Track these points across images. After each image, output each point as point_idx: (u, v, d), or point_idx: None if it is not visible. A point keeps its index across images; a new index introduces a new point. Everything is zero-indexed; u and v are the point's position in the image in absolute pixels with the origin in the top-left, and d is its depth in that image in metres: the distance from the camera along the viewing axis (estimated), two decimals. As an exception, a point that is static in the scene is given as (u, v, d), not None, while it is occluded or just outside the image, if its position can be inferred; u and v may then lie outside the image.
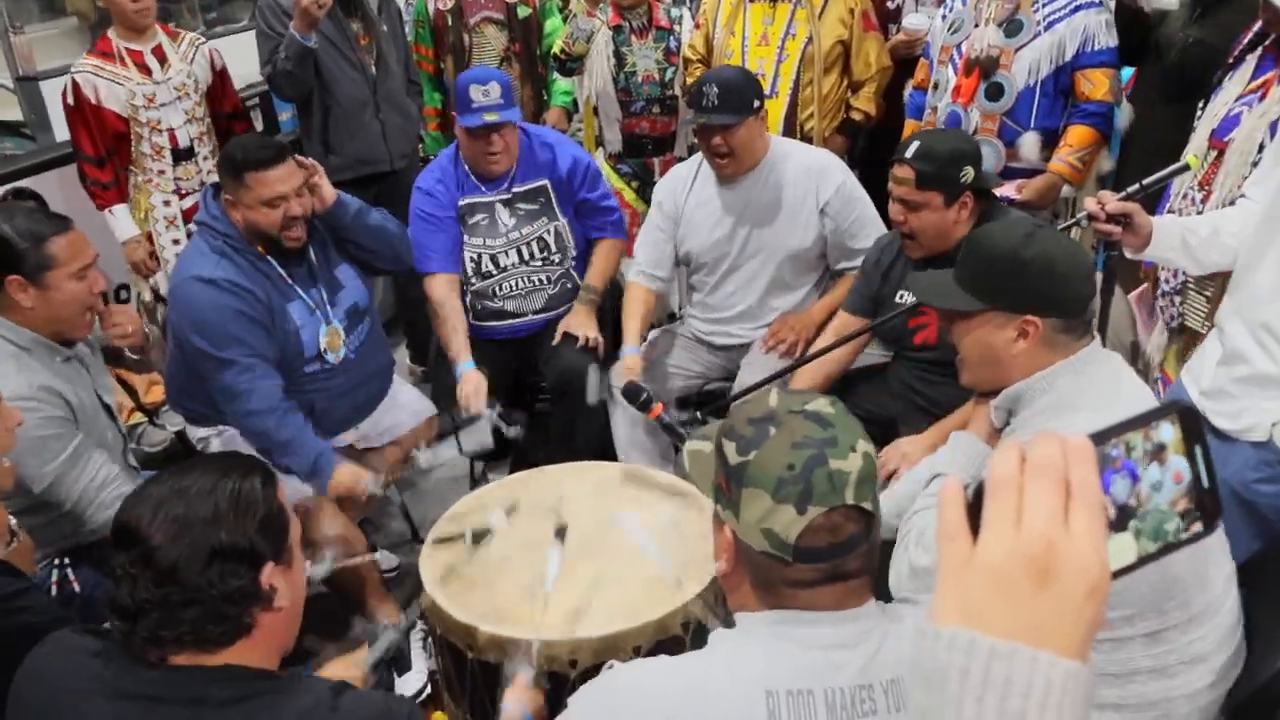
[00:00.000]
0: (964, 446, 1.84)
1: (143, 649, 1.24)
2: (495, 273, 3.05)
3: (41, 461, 2.14)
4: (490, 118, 2.82)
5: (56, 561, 2.31)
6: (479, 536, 2.07)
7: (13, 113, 4.83)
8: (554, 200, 3.08)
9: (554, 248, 3.09)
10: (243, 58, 4.17)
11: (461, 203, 3.00)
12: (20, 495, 2.19)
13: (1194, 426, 0.58)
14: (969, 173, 2.38)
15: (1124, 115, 3.22)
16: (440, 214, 2.98)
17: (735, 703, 1.09)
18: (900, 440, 2.46)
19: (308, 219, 2.58)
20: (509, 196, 3.02)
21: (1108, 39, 3.04)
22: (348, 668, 1.80)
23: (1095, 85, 3.05)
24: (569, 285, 3.14)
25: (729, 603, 1.23)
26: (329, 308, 2.66)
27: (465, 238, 3.02)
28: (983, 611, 0.55)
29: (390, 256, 2.85)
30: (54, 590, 2.30)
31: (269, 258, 2.56)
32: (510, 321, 3.11)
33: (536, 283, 3.09)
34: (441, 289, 2.98)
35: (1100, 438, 0.59)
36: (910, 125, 3.43)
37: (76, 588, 2.30)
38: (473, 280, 3.06)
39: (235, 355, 2.45)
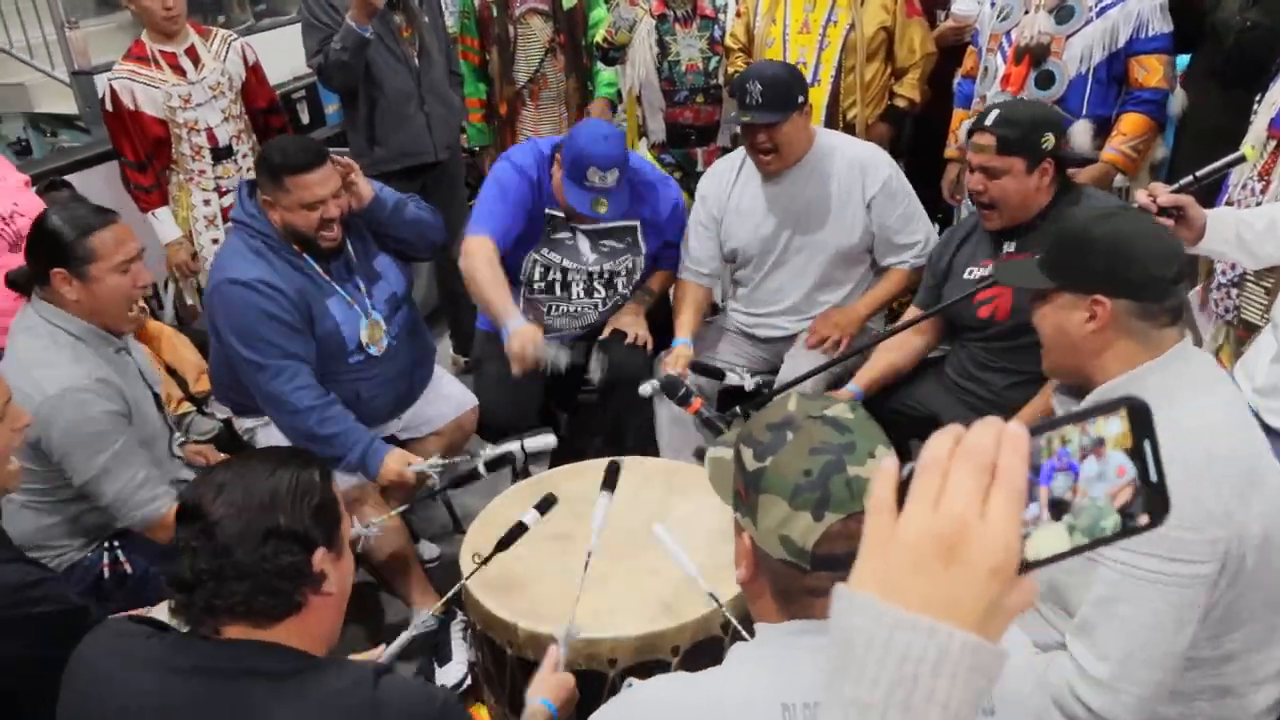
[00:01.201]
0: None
1: (198, 619, 1.30)
2: (558, 292, 2.99)
3: (89, 455, 2.15)
4: (599, 209, 2.73)
5: (107, 544, 2.36)
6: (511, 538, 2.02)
7: (68, 106, 4.93)
8: (640, 240, 3.02)
9: (623, 285, 3.05)
10: (291, 50, 4.21)
11: (549, 211, 2.91)
12: (63, 485, 2.22)
13: (1143, 420, 0.59)
14: (1050, 139, 2.39)
15: (1178, 102, 3.14)
16: (521, 195, 2.85)
17: (753, 716, 1.08)
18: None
19: (344, 216, 2.60)
20: (595, 229, 2.94)
21: (1162, 24, 2.97)
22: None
23: (1149, 72, 2.98)
24: (620, 306, 3.11)
25: (751, 612, 1.21)
26: (368, 300, 2.67)
27: (541, 249, 2.94)
28: (895, 582, 0.59)
29: (425, 246, 2.87)
30: (106, 572, 2.34)
31: (306, 255, 2.58)
32: (555, 335, 3.10)
33: (594, 309, 3.07)
34: (485, 246, 2.79)
35: (1039, 429, 0.61)
36: (959, 115, 3.38)
37: (128, 569, 2.35)
38: (535, 289, 3.00)
39: (269, 359, 2.47)
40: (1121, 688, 1.46)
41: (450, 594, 1.94)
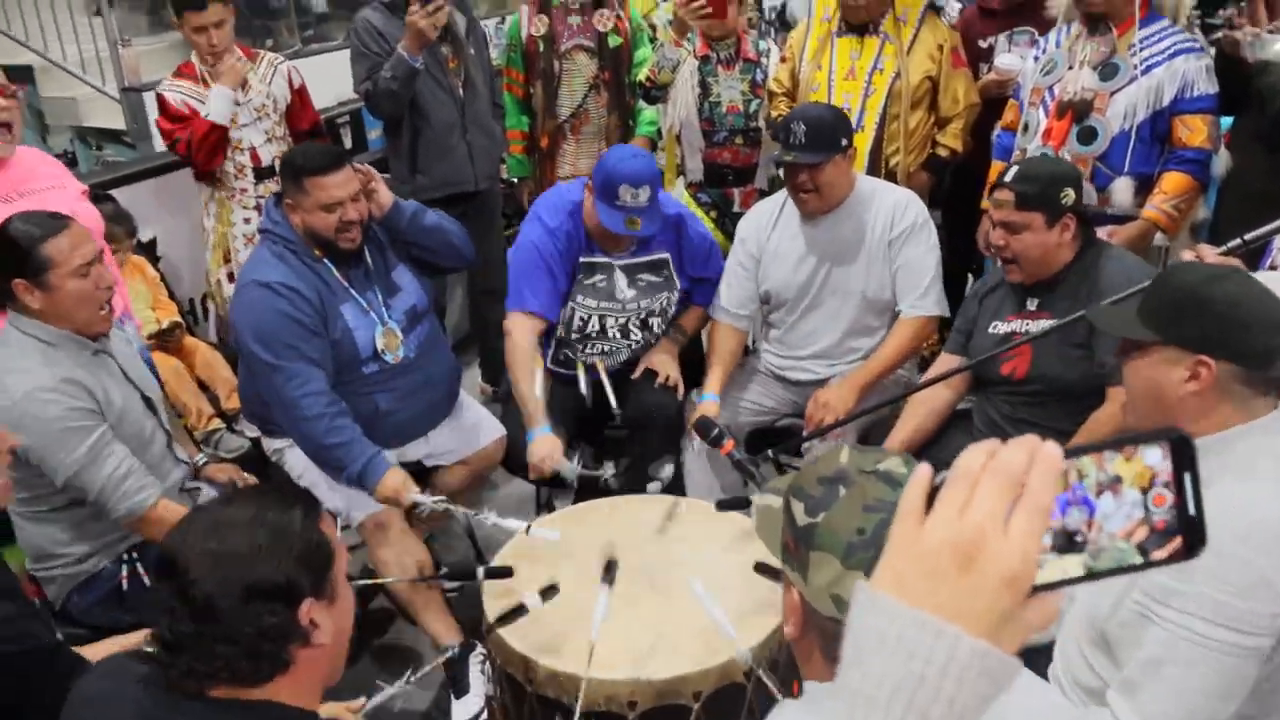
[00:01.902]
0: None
1: (181, 681, 1.24)
2: (596, 336, 2.98)
3: (65, 452, 2.16)
4: (632, 229, 2.72)
5: (125, 556, 2.36)
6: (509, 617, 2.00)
7: (116, 121, 5.02)
8: (674, 273, 3.02)
9: (661, 323, 3.05)
10: (336, 75, 4.27)
11: (582, 260, 2.91)
12: (55, 492, 2.23)
13: (1186, 453, 0.60)
14: (1069, 194, 2.41)
15: (1221, 163, 3.11)
16: (555, 257, 2.85)
17: None
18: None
19: (364, 224, 2.63)
20: (630, 263, 2.94)
21: (1208, 85, 2.95)
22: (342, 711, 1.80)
23: (1193, 132, 2.96)
24: (652, 345, 3.09)
25: (801, 671, 1.18)
26: (385, 309, 2.70)
27: (579, 297, 2.93)
28: (911, 585, 0.61)
29: (451, 255, 2.88)
30: (124, 584, 2.35)
31: (325, 260, 2.62)
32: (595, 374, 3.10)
33: (628, 348, 3.05)
34: (526, 332, 2.83)
35: (1072, 453, 0.62)
36: (997, 166, 3.37)
37: (147, 580, 2.35)
38: (572, 336, 2.99)
39: (284, 361, 2.50)
40: None
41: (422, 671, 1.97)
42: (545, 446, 2.67)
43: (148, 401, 2.44)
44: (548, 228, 2.87)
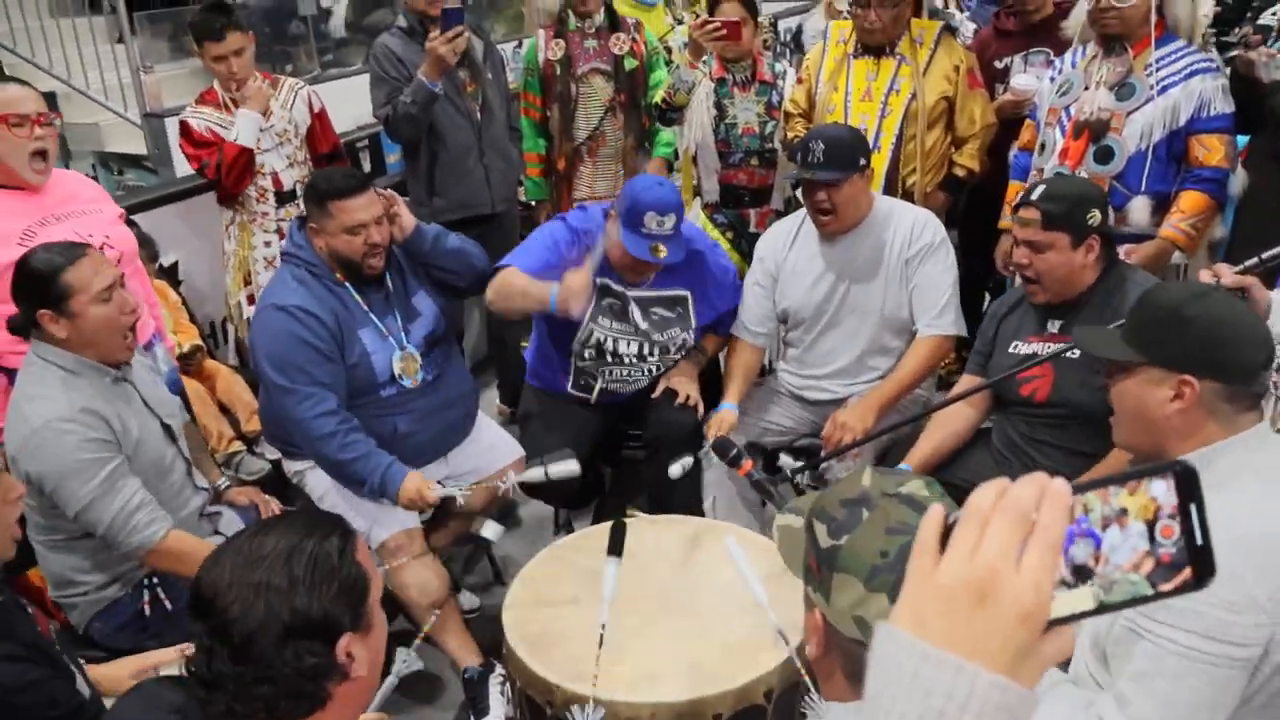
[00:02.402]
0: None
1: (219, 718, 1.22)
2: (610, 360, 2.99)
3: (79, 483, 2.16)
4: (657, 255, 2.72)
5: (145, 582, 2.36)
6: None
7: (137, 146, 5.08)
8: (690, 311, 3.01)
9: (675, 354, 3.05)
10: (355, 100, 4.31)
11: (599, 281, 2.89)
12: (62, 520, 2.23)
13: (1190, 485, 0.61)
14: (1095, 215, 2.40)
15: (1238, 182, 3.11)
16: (566, 248, 2.87)
17: None
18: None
19: (387, 248, 2.66)
20: (646, 295, 2.95)
21: (1224, 105, 2.94)
22: None
23: (1210, 151, 2.95)
24: (670, 369, 3.09)
25: (822, 691, 1.19)
26: (404, 335, 2.72)
27: (597, 318, 2.92)
28: (929, 622, 0.62)
29: (471, 277, 2.90)
30: (147, 610, 2.35)
31: (347, 284, 2.64)
32: (606, 399, 3.10)
33: (644, 373, 3.06)
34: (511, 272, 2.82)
35: (1080, 489, 0.63)
36: (1014, 187, 3.37)
37: (169, 606, 2.35)
38: (586, 357, 2.99)
39: (297, 385, 2.53)
40: None
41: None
42: (575, 281, 2.68)
43: (167, 429, 2.45)
44: (575, 231, 2.90)
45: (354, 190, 2.58)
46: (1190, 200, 2.97)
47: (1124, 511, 0.62)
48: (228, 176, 3.48)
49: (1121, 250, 3.02)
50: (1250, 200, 3.14)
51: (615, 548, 1.88)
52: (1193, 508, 0.60)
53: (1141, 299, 1.72)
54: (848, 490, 1.14)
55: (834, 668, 1.13)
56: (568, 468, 2.49)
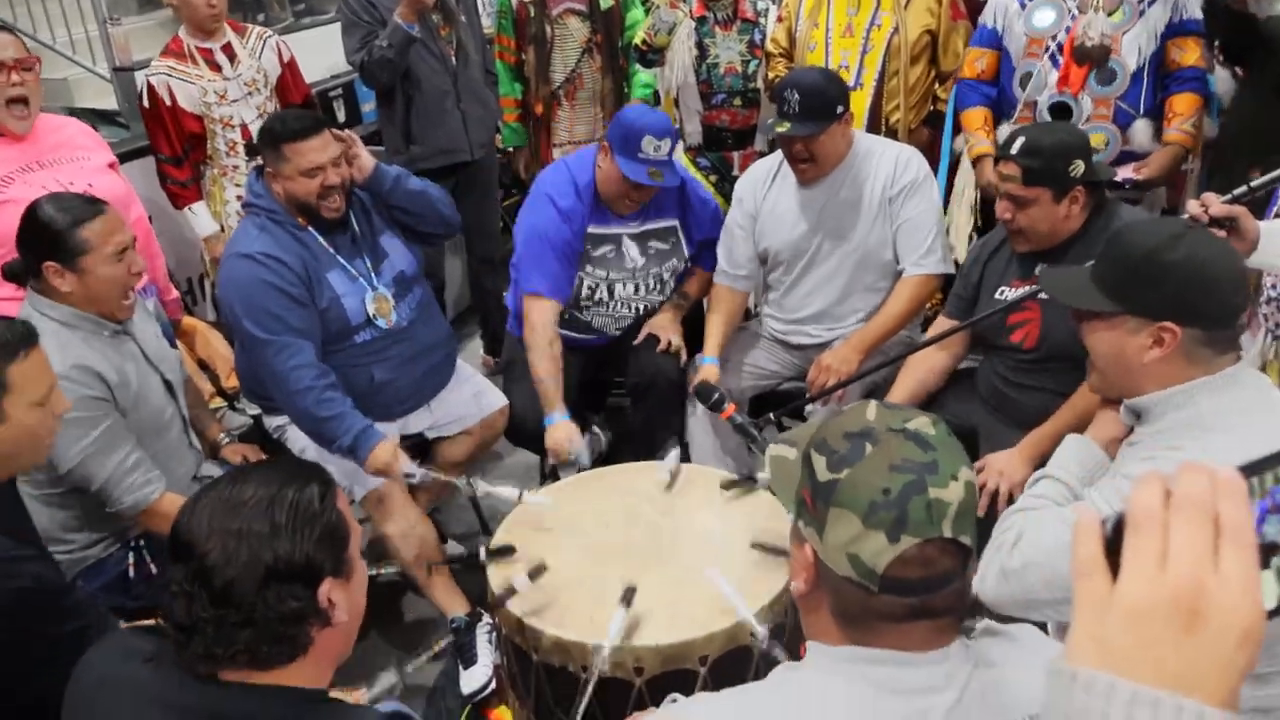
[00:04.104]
0: (1074, 451, 1.75)
1: (195, 663, 1.21)
2: (608, 300, 3.00)
3: (70, 440, 2.13)
4: (655, 178, 2.73)
5: (132, 544, 2.35)
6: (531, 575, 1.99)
7: (108, 101, 4.97)
8: (682, 240, 3.04)
9: (669, 286, 3.06)
10: (329, 49, 4.22)
11: (590, 230, 2.92)
12: (53, 476, 2.20)
13: None
14: (1078, 166, 2.32)
15: (1219, 81, 3.18)
16: (567, 240, 2.86)
17: None
18: (993, 456, 2.36)
19: (347, 189, 2.61)
20: (640, 231, 2.96)
21: (1197, 11, 3.05)
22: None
23: (1186, 52, 3.06)
24: (655, 309, 3.10)
25: (804, 626, 1.16)
26: (374, 275, 2.68)
27: (588, 267, 2.94)
28: (1124, 655, 0.53)
29: (435, 219, 2.85)
30: (131, 572, 2.33)
31: (309, 228, 2.60)
32: (590, 336, 3.09)
33: (636, 310, 3.05)
34: (546, 317, 2.84)
35: (1251, 469, 0.56)
36: (976, 114, 3.28)
37: (154, 568, 2.34)
38: (582, 305, 3.00)
39: (273, 334, 2.48)
40: None
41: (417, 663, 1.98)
42: (562, 432, 2.71)
43: (168, 385, 2.42)
44: (560, 210, 2.86)
45: (308, 131, 2.52)
46: (1183, 101, 3.07)
47: None
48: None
49: (1129, 169, 3.06)
50: (1244, 133, 3.11)
51: (626, 601, 1.86)
52: None
53: (1112, 240, 1.68)
54: (851, 423, 1.09)
55: (820, 604, 1.10)
56: (541, 501, 2.28)
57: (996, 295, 2.56)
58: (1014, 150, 2.36)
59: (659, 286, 3.05)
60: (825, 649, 1.10)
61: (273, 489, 1.24)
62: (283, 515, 1.21)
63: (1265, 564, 0.54)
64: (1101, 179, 2.41)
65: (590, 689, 1.72)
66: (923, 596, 1.03)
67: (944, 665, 1.06)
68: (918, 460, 1.04)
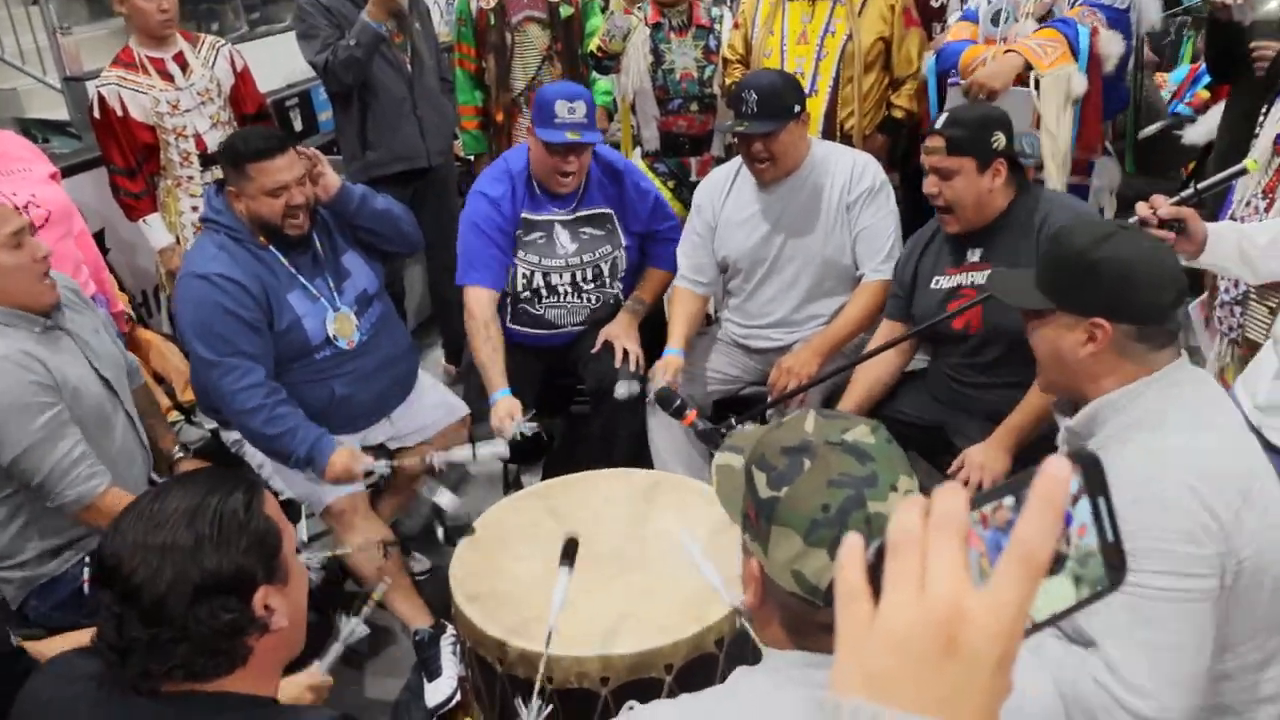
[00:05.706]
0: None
1: (135, 681, 1.19)
2: (545, 293, 3.00)
3: (16, 427, 2.09)
4: (573, 136, 2.76)
5: (88, 559, 2.29)
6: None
7: (59, 112, 4.90)
8: (618, 228, 3.04)
9: (608, 275, 3.05)
10: (285, 57, 4.19)
11: (524, 216, 2.94)
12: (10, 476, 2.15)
13: (1096, 478, 0.53)
14: (1000, 138, 2.44)
15: (1085, 37, 3.21)
16: (499, 227, 2.89)
17: None
18: (971, 450, 2.41)
19: (311, 208, 2.58)
20: (572, 218, 2.97)
21: None
22: (302, 690, 1.75)
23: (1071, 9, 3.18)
24: (614, 304, 3.09)
25: (758, 635, 1.17)
26: (335, 295, 2.66)
27: (519, 253, 2.95)
28: (888, 681, 0.51)
29: (397, 238, 2.84)
30: (86, 587, 2.28)
31: (270, 248, 2.57)
32: (549, 332, 3.08)
33: (584, 302, 3.05)
34: (484, 304, 2.88)
35: (986, 495, 0.54)
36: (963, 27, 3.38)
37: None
38: (521, 296, 3.01)
39: (220, 356, 2.46)
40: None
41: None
42: (503, 408, 2.69)
43: (105, 382, 2.37)
44: (490, 199, 2.89)
45: (273, 150, 2.48)
46: (1045, 31, 3.13)
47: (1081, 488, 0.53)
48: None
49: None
50: (1230, 147, 3.17)
51: (568, 558, 1.85)
52: (1101, 502, 0.53)
53: (1052, 240, 1.72)
54: (789, 436, 1.10)
55: (771, 616, 1.11)
56: (495, 450, 2.45)
57: (932, 286, 2.62)
58: (938, 125, 2.48)
59: (597, 279, 3.03)
60: (776, 653, 1.12)
61: (195, 500, 1.21)
62: (207, 527, 1.19)
63: (1057, 569, 0.53)
64: (1018, 156, 2.53)
65: (542, 669, 1.70)
66: None
67: None
68: (855, 474, 1.04)
